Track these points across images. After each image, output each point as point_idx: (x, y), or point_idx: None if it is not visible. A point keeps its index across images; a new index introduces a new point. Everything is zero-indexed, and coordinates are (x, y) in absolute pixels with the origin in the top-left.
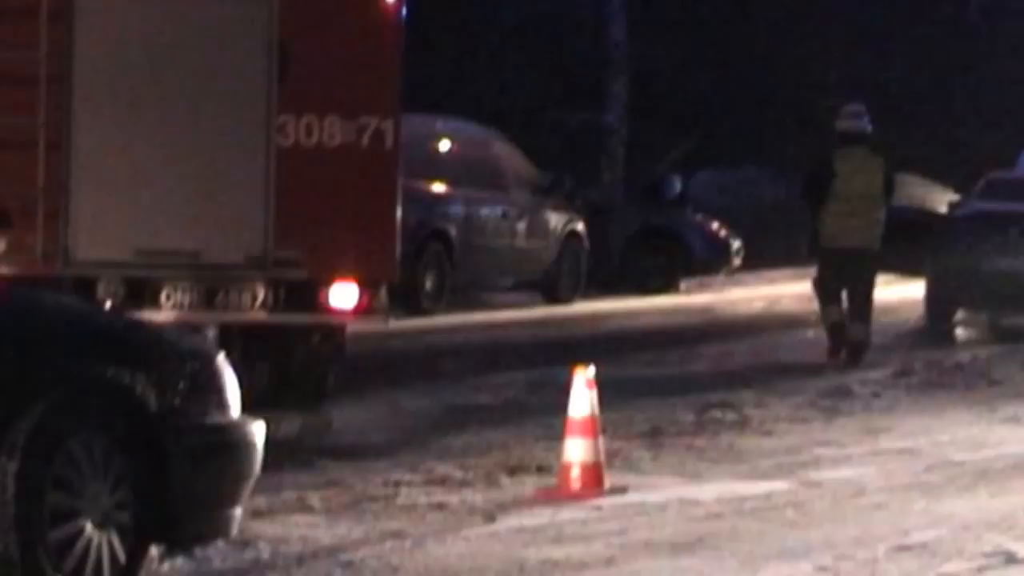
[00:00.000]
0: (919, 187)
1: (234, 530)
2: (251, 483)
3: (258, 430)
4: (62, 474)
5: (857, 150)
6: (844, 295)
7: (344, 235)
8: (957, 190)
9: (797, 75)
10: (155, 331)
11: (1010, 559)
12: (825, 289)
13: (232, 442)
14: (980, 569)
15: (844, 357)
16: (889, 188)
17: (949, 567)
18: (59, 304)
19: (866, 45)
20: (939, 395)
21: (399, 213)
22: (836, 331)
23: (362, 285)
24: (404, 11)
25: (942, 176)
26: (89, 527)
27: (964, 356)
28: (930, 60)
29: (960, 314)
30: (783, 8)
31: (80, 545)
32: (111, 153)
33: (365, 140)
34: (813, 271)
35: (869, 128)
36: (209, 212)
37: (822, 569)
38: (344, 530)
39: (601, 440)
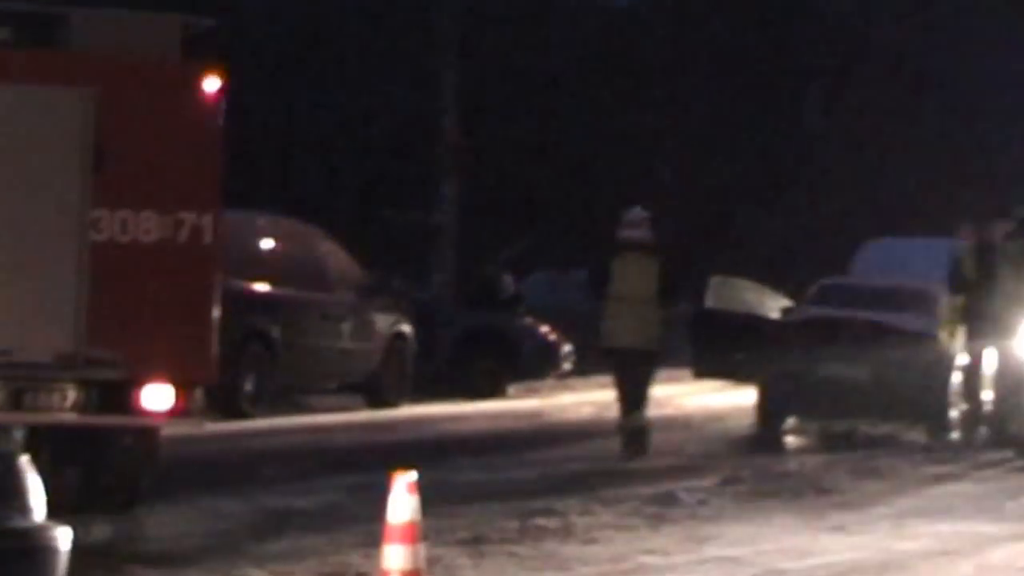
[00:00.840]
0: (752, 292)
1: None
2: None
3: (64, 535)
4: None
5: (634, 254)
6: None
7: (159, 334)
8: (790, 296)
9: (631, 176)
10: None
11: None
12: (621, 392)
13: (35, 547)
14: None
15: (628, 447)
16: (668, 290)
17: None
18: None
19: (701, 148)
20: (766, 503)
21: (217, 312)
22: (632, 432)
23: (177, 386)
24: (224, 104)
25: (775, 281)
26: None
27: (793, 464)
28: (765, 163)
29: (791, 421)
30: (618, 108)
31: None
32: None
33: (183, 236)
34: None
35: (647, 234)
36: (18, 309)
37: None
38: None
39: (421, 547)
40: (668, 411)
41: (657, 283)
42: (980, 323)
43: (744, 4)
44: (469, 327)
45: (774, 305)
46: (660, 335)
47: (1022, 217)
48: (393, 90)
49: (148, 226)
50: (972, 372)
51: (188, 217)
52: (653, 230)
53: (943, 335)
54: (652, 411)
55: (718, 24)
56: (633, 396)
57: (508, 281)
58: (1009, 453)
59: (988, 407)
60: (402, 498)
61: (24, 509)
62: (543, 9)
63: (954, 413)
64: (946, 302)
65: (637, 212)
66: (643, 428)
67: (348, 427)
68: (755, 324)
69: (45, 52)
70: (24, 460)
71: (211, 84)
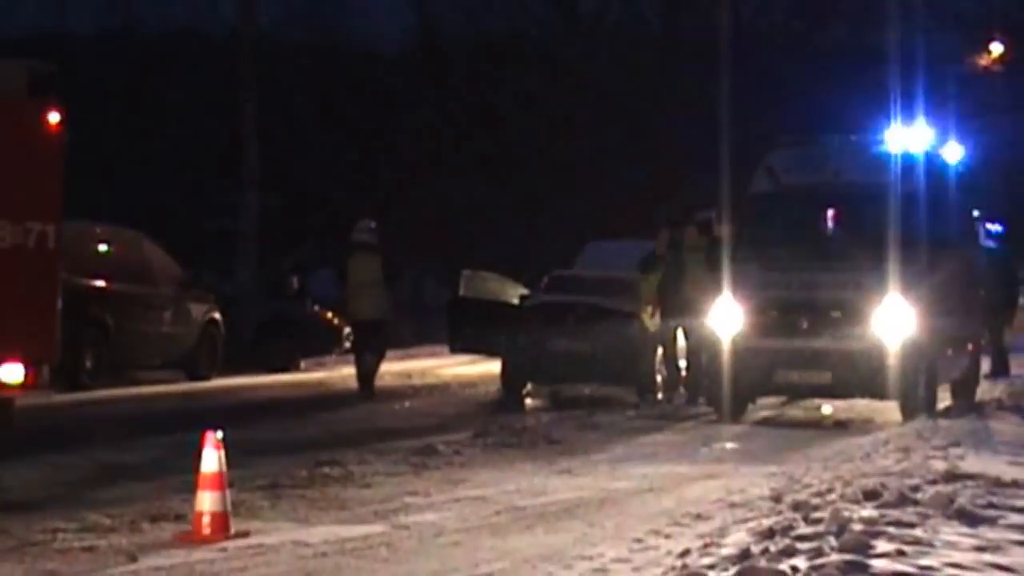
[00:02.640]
0: (496, 283)
1: None
2: None
3: None
4: None
5: (361, 251)
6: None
7: (12, 322)
8: (526, 285)
9: (395, 193)
10: None
11: None
12: (356, 348)
13: None
14: None
15: (363, 388)
16: (388, 276)
17: None
18: None
19: (454, 171)
20: (509, 452)
21: (60, 303)
22: (363, 377)
23: (28, 364)
24: (64, 134)
25: (515, 274)
26: None
27: (530, 420)
28: (507, 182)
29: (529, 386)
30: (382, 137)
31: None
32: None
33: (31, 242)
34: (412, 351)
35: (371, 237)
36: None
37: None
38: (8, 570)
39: (228, 492)
40: (429, 379)
41: (380, 272)
42: (674, 305)
43: (479, 58)
44: (268, 314)
45: (514, 293)
46: (386, 309)
47: (700, 220)
48: (204, 120)
49: (2, 234)
50: (670, 345)
51: (35, 226)
52: (376, 235)
53: (645, 314)
54: (416, 379)
55: (457, 75)
56: (374, 353)
57: (293, 279)
58: (700, 410)
59: (683, 373)
60: (211, 452)
61: None
62: (326, 57)
63: (658, 378)
64: (644, 287)
65: (365, 222)
66: (371, 371)
67: (169, 396)
68: (499, 308)
69: None
70: None
71: (53, 118)
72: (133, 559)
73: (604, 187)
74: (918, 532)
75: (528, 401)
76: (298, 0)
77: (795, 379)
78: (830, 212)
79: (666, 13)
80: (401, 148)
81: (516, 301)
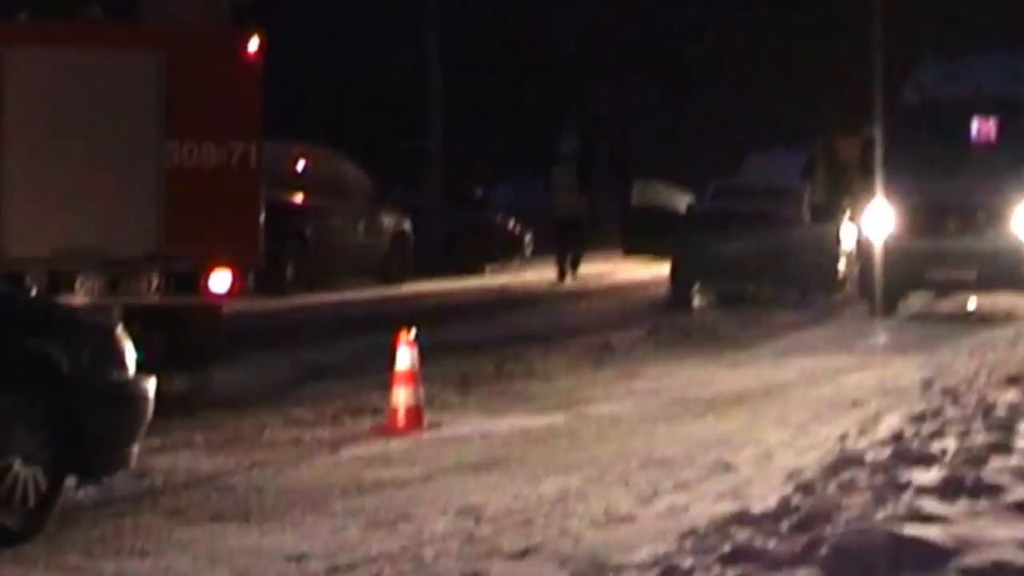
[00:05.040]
0: (664, 191)
1: (133, 463)
2: (145, 426)
3: (150, 385)
4: None
5: (564, 164)
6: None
7: (219, 234)
8: (693, 193)
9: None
10: (68, 310)
11: (728, 467)
12: (558, 243)
13: (129, 394)
14: (707, 475)
15: (569, 278)
16: (584, 181)
17: (684, 475)
18: None
19: (632, 77)
20: (678, 348)
21: (263, 217)
22: (561, 267)
23: (234, 272)
24: (263, 59)
25: (682, 182)
26: (18, 463)
27: (698, 318)
28: (677, 103)
29: (696, 286)
30: (562, 50)
31: (10, 477)
32: (36, 173)
33: (234, 161)
34: (587, 256)
35: (573, 147)
36: (114, 218)
37: (588, 480)
38: (220, 461)
39: (421, 388)
40: (605, 282)
41: (577, 178)
42: (832, 209)
43: None
44: (454, 224)
45: (682, 201)
46: (583, 209)
47: (868, 137)
48: (392, 48)
49: (208, 154)
50: (828, 246)
51: (238, 146)
52: (576, 146)
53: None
54: (592, 283)
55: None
56: (576, 251)
57: (477, 190)
58: (857, 307)
59: (843, 273)
60: (405, 351)
61: (121, 366)
62: None
63: (817, 277)
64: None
65: (568, 138)
66: (575, 262)
67: (364, 301)
68: (668, 216)
69: (128, 25)
70: (121, 330)
71: (253, 44)
72: (335, 450)
73: (764, 99)
74: None
75: (695, 301)
76: None
77: (943, 276)
78: (973, 122)
79: None
80: (576, 63)
81: (684, 208)
